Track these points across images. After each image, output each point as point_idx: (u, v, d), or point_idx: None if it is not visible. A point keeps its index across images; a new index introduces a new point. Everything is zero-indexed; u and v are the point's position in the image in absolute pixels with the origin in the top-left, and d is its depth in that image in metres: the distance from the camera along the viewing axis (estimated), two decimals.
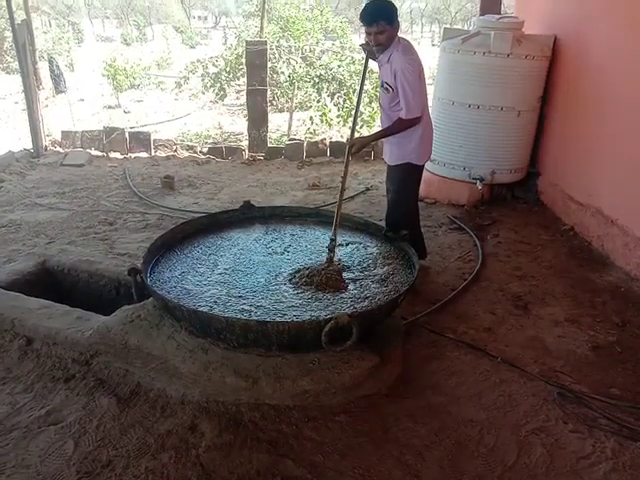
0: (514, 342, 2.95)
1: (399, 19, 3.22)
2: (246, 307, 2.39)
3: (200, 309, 2.34)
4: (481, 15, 5.39)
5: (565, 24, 4.79)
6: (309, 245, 3.08)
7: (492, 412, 2.39)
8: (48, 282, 3.35)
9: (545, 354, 2.84)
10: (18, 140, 7.79)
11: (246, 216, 3.36)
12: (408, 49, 3.13)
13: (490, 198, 5.05)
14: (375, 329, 2.51)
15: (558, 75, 4.88)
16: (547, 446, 2.20)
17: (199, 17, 49.51)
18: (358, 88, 3.48)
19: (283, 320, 2.26)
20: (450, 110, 4.88)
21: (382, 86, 3.28)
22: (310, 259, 2.87)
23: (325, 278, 2.59)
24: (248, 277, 2.67)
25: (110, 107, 12.19)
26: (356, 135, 3.43)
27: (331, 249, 2.79)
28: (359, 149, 3.30)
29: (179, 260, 2.84)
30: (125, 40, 27.48)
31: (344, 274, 2.72)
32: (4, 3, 18.74)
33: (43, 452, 2.11)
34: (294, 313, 2.36)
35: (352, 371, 2.30)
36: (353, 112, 6.83)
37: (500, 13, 5.68)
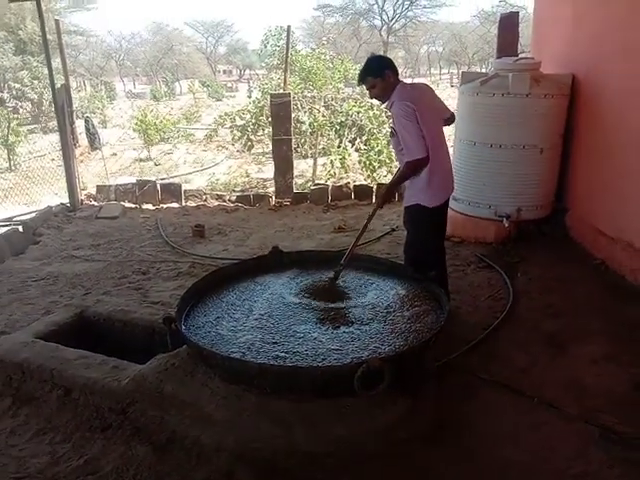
0: (550, 382, 2.88)
1: (394, 67, 3.31)
2: (280, 354, 2.41)
3: (233, 355, 2.37)
4: (498, 57, 5.52)
5: (582, 63, 4.87)
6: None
7: (532, 455, 2.33)
8: (85, 332, 3.44)
9: (583, 394, 2.77)
10: (54, 195, 8.13)
11: (276, 261, 3.43)
12: (403, 94, 3.20)
13: (517, 235, 5.02)
14: (408, 372, 2.50)
15: (579, 112, 4.92)
16: None
17: (224, 71, 51.69)
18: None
19: (315, 365, 2.28)
20: (472, 150, 4.95)
21: (390, 132, 3.41)
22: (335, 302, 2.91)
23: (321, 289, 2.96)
24: (281, 321, 2.71)
25: (141, 160, 12.68)
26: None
27: (336, 272, 3.08)
28: (383, 203, 3.55)
29: (213, 306, 2.90)
30: (154, 96, 28.77)
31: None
32: (43, 70, 19.83)
33: None
34: (329, 357, 2.38)
35: (386, 416, 2.28)
36: (373, 155, 6.80)
37: (517, 55, 5.80)
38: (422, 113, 3.14)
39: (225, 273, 3.27)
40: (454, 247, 4.92)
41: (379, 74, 3.20)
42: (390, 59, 3.38)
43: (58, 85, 6.63)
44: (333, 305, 2.84)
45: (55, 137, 11.68)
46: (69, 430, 2.58)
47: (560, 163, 5.09)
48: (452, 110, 3.65)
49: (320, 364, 2.32)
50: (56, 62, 7.82)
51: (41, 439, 2.53)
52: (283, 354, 2.39)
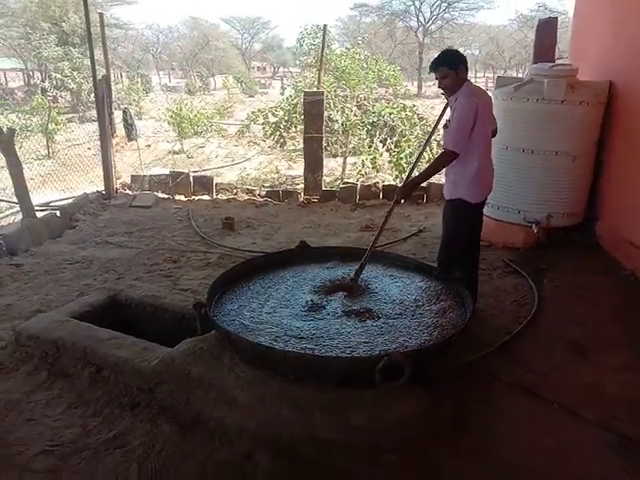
0: (571, 388, 2.88)
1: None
2: (310, 345, 2.48)
3: (259, 341, 2.45)
4: (534, 63, 5.48)
5: (620, 70, 4.81)
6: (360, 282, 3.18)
7: (547, 459, 2.35)
8: (117, 314, 3.58)
9: (604, 401, 2.76)
10: (90, 183, 8.38)
11: (302, 255, 3.50)
12: (473, 92, 3.30)
13: (546, 242, 4.99)
14: (429, 369, 2.54)
15: (615, 120, 4.86)
16: None
17: (258, 67, 52.10)
18: (429, 134, 3.85)
19: (337, 355, 2.34)
20: (504, 155, 4.92)
21: (445, 125, 3.45)
22: (361, 297, 2.97)
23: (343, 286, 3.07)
24: (306, 313, 2.78)
25: (174, 152, 12.93)
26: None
27: (357, 271, 3.15)
28: (405, 195, 3.47)
29: (241, 295, 2.99)
30: (189, 90, 29.21)
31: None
32: (84, 61, 20.32)
33: (110, 473, 2.25)
34: (358, 350, 2.44)
35: (404, 409, 2.34)
36: (404, 157, 6.90)
37: (554, 60, 5.75)
38: (483, 112, 3.25)
39: (254, 264, 3.36)
40: (482, 251, 4.85)
41: (454, 67, 3.27)
42: (465, 57, 3.44)
43: (99, 76, 6.84)
44: (360, 301, 2.90)
45: (92, 127, 12.02)
46: (99, 406, 2.70)
47: (593, 171, 5.04)
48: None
49: (338, 354, 2.38)
50: (98, 54, 8.06)
51: (73, 412, 2.65)
52: (313, 345, 2.46)
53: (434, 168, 3.42)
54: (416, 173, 3.68)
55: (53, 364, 3.00)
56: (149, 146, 13.54)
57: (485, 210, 5.00)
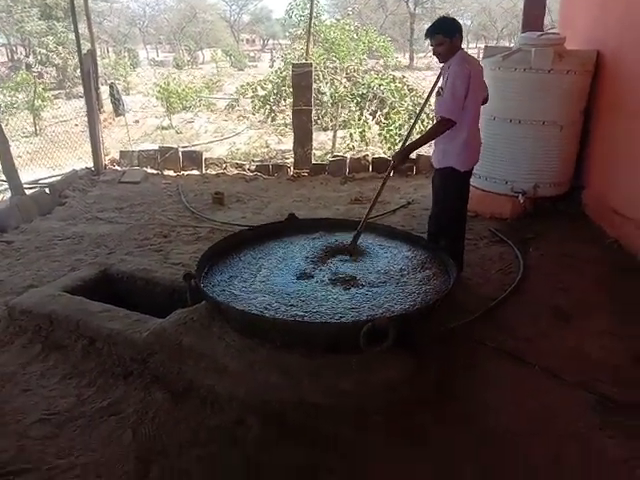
0: (554, 352, 2.97)
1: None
2: (299, 312, 2.54)
3: (248, 310, 2.50)
4: (523, 32, 5.45)
5: (608, 40, 4.80)
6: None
7: (530, 420, 2.43)
8: (108, 288, 3.61)
9: (586, 364, 2.85)
10: (78, 160, 8.31)
11: (291, 227, 3.54)
12: (466, 59, 3.33)
13: (533, 211, 5.05)
14: (413, 334, 2.61)
15: (602, 89, 4.87)
16: (585, 452, 2.23)
17: (247, 40, 51.16)
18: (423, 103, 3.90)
19: (323, 321, 2.40)
20: (491, 125, 4.94)
21: (437, 92, 3.48)
22: (349, 266, 3.02)
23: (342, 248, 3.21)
24: (296, 282, 2.84)
25: (163, 128, 12.80)
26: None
27: (355, 236, 3.27)
28: (401, 161, 3.55)
29: (230, 266, 3.03)
30: (177, 64, 28.73)
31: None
32: (68, 35, 19.91)
33: (105, 439, 2.32)
34: (346, 316, 2.50)
35: (389, 374, 2.41)
36: (394, 129, 6.92)
37: (543, 29, 5.72)
38: (474, 82, 3.28)
39: (243, 236, 3.40)
40: (469, 221, 4.87)
41: (450, 35, 3.30)
42: (461, 25, 3.46)
43: (84, 51, 6.73)
44: (349, 270, 2.96)
45: (79, 103, 11.84)
46: (93, 376, 2.76)
47: (579, 141, 5.07)
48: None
49: (324, 320, 2.44)
50: (82, 28, 7.91)
51: (68, 382, 2.71)
52: (302, 313, 2.51)
53: (429, 136, 3.46)
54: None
55: (47, 337, 3.05)
56: (137, 122, 13.40)
57: (472, 181, 5.04)
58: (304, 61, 7.94)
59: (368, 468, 2.14)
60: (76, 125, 12.49)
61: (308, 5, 11.09)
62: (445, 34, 3.30)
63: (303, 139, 7.32)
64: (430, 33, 3.38)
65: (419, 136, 3.63)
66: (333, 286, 2.77)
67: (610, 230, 4.56)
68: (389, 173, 3.62)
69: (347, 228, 3.53)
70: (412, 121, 7.88)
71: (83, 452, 2.24)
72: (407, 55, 34.38)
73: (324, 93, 8.92)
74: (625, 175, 4.45)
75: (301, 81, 7.06)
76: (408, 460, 2.18)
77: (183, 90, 13.56)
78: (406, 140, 3.72)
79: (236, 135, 11.98)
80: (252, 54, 38.14)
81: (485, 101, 3.61)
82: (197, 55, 35.40)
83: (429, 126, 5.09)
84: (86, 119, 7.00)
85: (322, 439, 2.26)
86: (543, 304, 3.52)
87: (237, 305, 2.54)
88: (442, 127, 3.33)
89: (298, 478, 2.10)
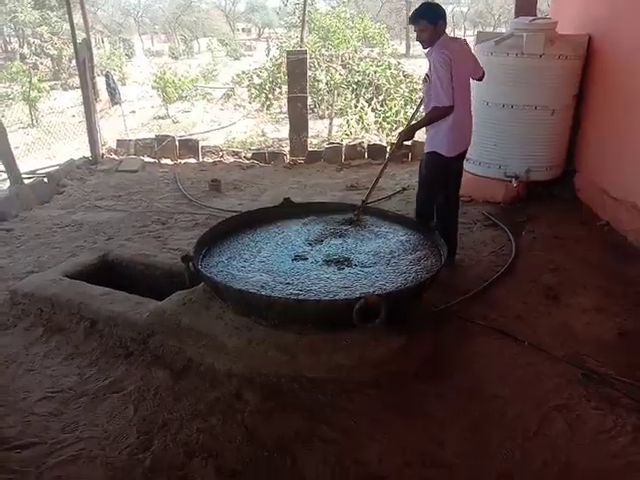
0: (542, 328, 3.06)
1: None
2: (295, 290, 2.62)
3: (246, 289, 2.58)
4: (515, 17, 5.48)
5: (599, 24, 4.85)
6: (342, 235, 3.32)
7: (516, 389, 2.53)
8: (108, 273, 3.68)
9: (572, 339, 2.94)
10: (75, 150, 8.35)
11: (287, 212, 3.61)
12: (445, 45, 3.35)
13: (526, 196, 5.12)
14: (406, 313, 2.70)
15: (593, 74, 4.93)
16: (568, 420, 2.33)
17: (243, 29, 50.78)
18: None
19: (318, 299, 2.48)
20: (484, 110, 4.99)
21: (424, 78, 3.54)
22: (343, 247, 3.10)
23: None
24: (291, 262, 2.92)
25: (160, 118, 12.81)
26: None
27: (359, 207, 3.46)
28: (407, 134, 3.61)
29: (228, 247, 3.11)
30: (173, 54, 28.61)
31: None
32: (62, 25, 19.75)
33: (108, 414, 2.40)
34: (340, 294, 2.58)
35: (382, 348, 2.50)
36: (390, 115, 6.98)
37: (535, 15, 5.75)
38: (457, 66, 3.31)
39: (240, 220, 3.47)
40: (463, 206, 4.98)
41: (433, 21, 3.32)
42: (444, 11, 3.49)
43: (79, 40, 6.75)
44: (343, 252, 3.04)
45: (75, 94, 11.84)
46: (95, 356, 2.84)
47: (572, 125, 5.13)
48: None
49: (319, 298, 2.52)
50: (76, 17, 7.90)
51: (70, 363, 2.79)
52: (297, 292, 2.59)
53: (430, 119, 3.47)
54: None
55: (49, 320, 3.12)
56: (134, 112, 13.39)
57: (466, 166, 5.14)
58: (299, 48, 7.96)
59: (362, 436, 2.23)
60: (73, 116, 12.51)
61: None
62: (429, 20, 3.31)
63: (298, 126, 7.37)
64: (414, 19, 3.40)
65: (422, 118, 3.64)
66: (327, 266, 2.84)
67: (602, 213, 4.63)
68: (394, 150, 3.79)
69: (343, 211, 3.60)
70: (409, 107, 8.00)
71: (87, 427, 2.32)
72: (404, 43, 34.26)
73: (320, 80, 8.95)
74: (615, 159, 4.52)
75: (296, 68, 7.09)
76: (401, 428, 2.27)
77: (179, 80, 13.55)
78: (412, 119, 3.85)
79: (232, 124, 12.00)
80: (248, 43, 37.89)
81: (481, 78, 3.66)
82: (193, 45, 35.19)
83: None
84: (82, 109, 7.02)
85: (319, 410, 2.35)
86: (533, 283, 3.61)
87: (235, 285, 2.61)
88: (439, 113, 3.36)
89: (295, 446, 2.18)
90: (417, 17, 3.37)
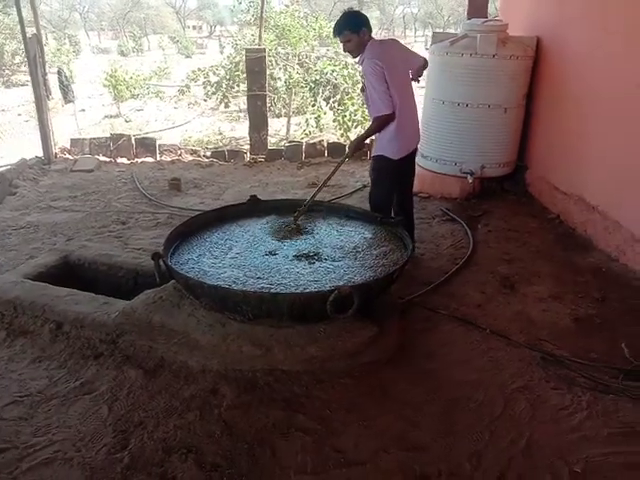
0: (502, 316, 3.22)
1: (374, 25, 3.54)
2: (265, 285, 2.66)
3: (218, 284, 2.60)
4: (468, 19, 5.69)
5: (546, 26, 5.10)
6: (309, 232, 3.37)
7: (481, 374, 2.66)
8: (70, 275, 3.60)
9: (530, 326, 3.11)
10: (24, 150, 8.03)
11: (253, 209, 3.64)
12: (373, 52, 3.36)
13: (481, 191, 5.33)
14: (375, 305, 2.79)
15: (542, 74, 5.18)
16: (530, 401, 2.47)
17: (194, 27, 50.04)
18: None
19: (291, 292, 2.53)
20: (440, 109, 5.17)
21: (361, 88, 3.60)
22: (310, 243, 3.16)
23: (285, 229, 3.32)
24: (261, 258, 2.96)
25: (111, 116, 12.49)
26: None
27: (297, 213, 3.40)
28: (357, 146, 3.64)
29: (197, 245, 3.11)
30: (122, 51, 27.87)
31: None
32: (3, 20, 18.87)
33: (81, 416, 2.37)
34: (309, 287, 2.63)
35: (354, 339, 2.57)
36: (348, 114, 7.03)
37: (487, 17, 5.98)
38: (390, 70, 3.33)
39: (207, 217, 3.47)
40: (421, 202, 5.20)
41: (355, 30, 3.34)
42: (366, 17, 3.52)
43: (29, 35, 6.51)
44: (312, 247, 3.09)
45: (20, 91, 11.38)
46: (63, 358, 2.79)
47: (523, 123, 5.37)
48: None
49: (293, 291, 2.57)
50: (24, 10, 7.60)
51: (38, 366, 2.73)
52: (268, 285, 2.63)
53: (374, 129, 3.52)
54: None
55: (11, 323, 3.04)
56: (84, 111, 13.00)
57: (423, 163, 5.33)
58: (257, 47, 7.96)
59: (338, 424, 2.30)
60: (19, 115, 12.03)
61: None
62: (352, 29, 3.32)
63: (258, 124, 7.37)
64: (336, 31, 3.40)
65: (366, 129, 3.68)
66: (298, 261, 2.89)
67: (552, 206, 4.89)
68: (342, 162, 3.71)
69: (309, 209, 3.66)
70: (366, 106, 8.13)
71: (60, 429, 2.29)
72: None
73: (278, 79, 8.97)
74: (563, 155, 4.77)
75: (255, 66, 7.09)
76: (375, 414, 2.35)
77: (131, 78, 13.25)
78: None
79: (188, 123, 11.85)
80: (200, 41, 37.38)
81: (424, 66, 3.68)
82: (142, 42, 34.39)
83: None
84: (29, 108, 6.78)
85: (295, 401, 2.41)
86: (491, 274, 3.78)
87: (207, 280, 2.63)
88: (383, 123, 3.41)
89: (274, 437, 2.23)
90: (339, 29, 3.37)
